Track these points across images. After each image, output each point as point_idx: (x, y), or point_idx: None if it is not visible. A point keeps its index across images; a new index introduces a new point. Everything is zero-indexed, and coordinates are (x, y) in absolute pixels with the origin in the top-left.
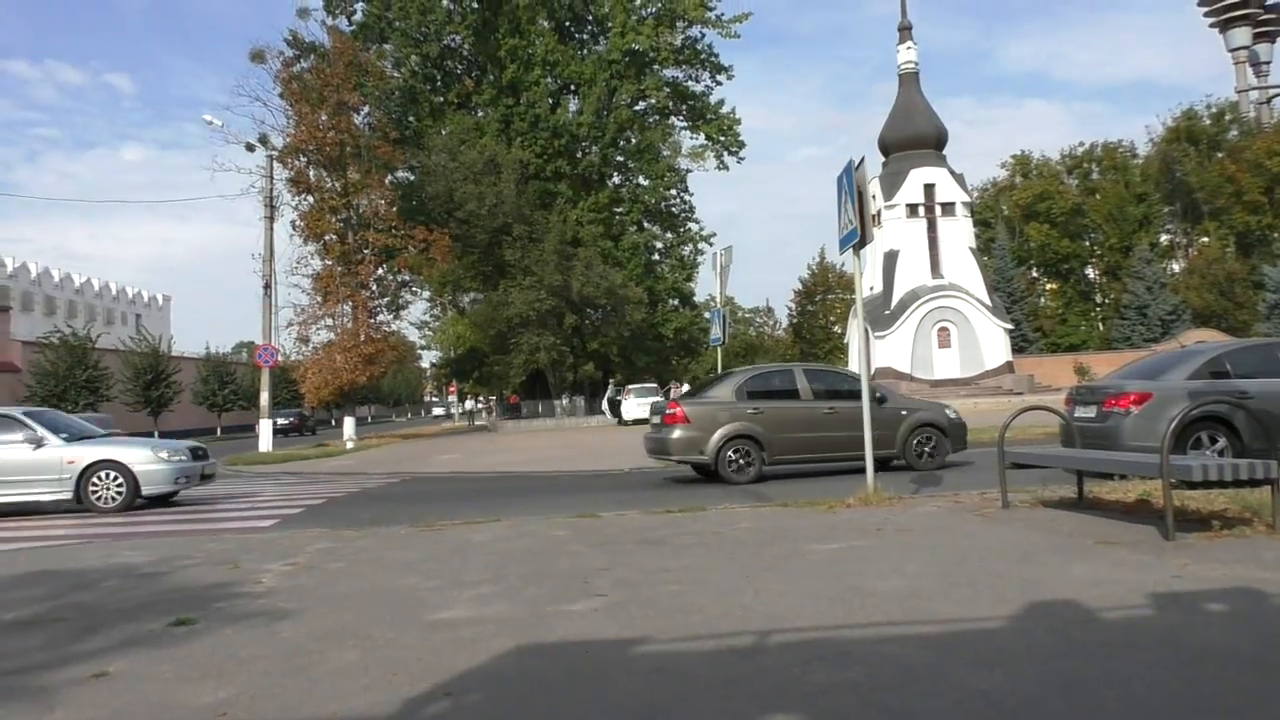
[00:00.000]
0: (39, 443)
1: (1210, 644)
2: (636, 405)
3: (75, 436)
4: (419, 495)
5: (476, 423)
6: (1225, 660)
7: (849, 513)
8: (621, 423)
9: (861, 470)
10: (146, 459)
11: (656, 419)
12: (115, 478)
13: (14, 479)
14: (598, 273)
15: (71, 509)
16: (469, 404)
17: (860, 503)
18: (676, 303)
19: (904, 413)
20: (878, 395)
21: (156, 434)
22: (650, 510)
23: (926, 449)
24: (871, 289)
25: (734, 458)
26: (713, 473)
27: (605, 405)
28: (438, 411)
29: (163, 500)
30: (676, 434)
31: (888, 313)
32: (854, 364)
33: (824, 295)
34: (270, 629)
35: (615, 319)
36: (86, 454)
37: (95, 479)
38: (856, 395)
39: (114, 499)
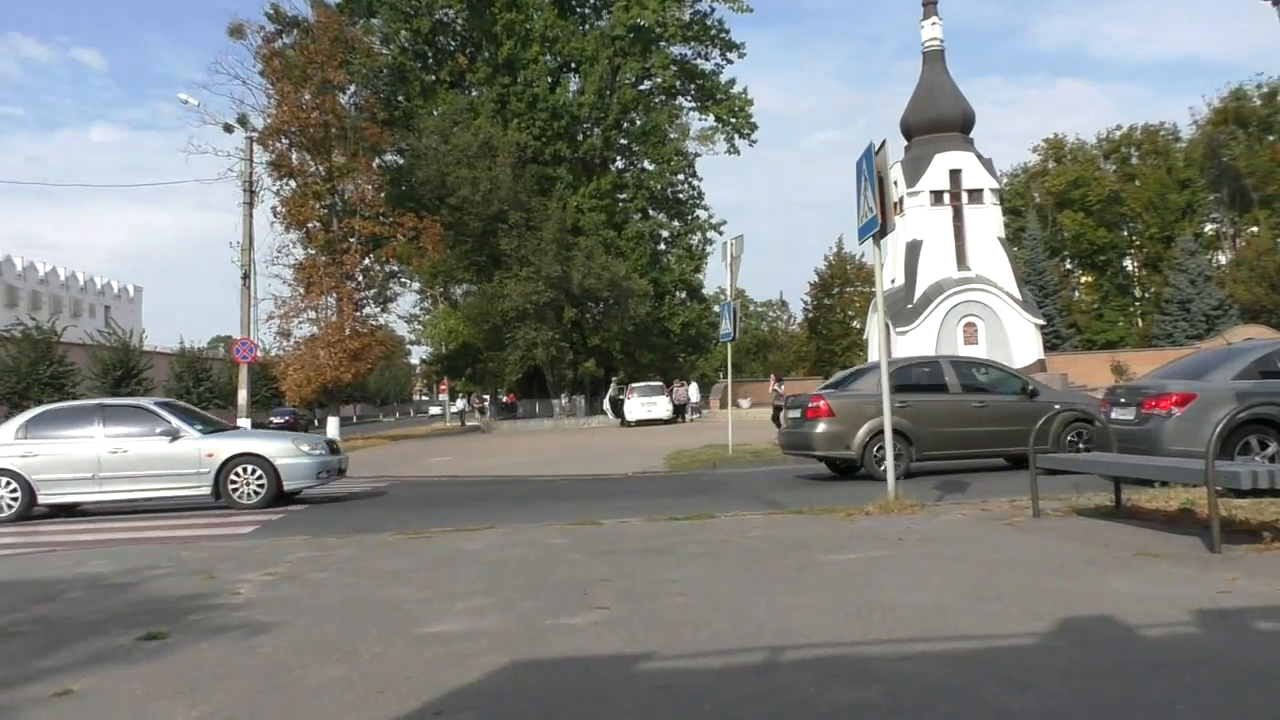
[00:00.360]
0: (175, 435)
1: (1260, 665)
2: (640, 405)
3: (210, 429)
4: (407, 500)
5: (468, 423)
6: (1277, 683)
7: (868, 521)
8: (624, 424)
9: (1006, 468)
10: (289, 452)
11: (796, 413)
12: (256, 472)
13: (152, 473)
14: (599, 263)
15: (210, 505)
16: (460, 403)
17: (880, 510)
18: (684, 295)
19: (1057, 407)
20: (1029, 389)
21: None
22: (655, 517)
23: (1080, 444)
24: (893, 281)
25: (881, 453)
26: (846, 470)
27: (607, 405)
28: (434, 410)
29: (288, 497)
30: (820, 429)
31: (910, 306)
32: (872, 358)
33: (842, 288)
34: (248, 643)
35: (618, 313)
36: (226, 447)
37: (235, 473)
38: (1006, 389)
39: (254, 494)
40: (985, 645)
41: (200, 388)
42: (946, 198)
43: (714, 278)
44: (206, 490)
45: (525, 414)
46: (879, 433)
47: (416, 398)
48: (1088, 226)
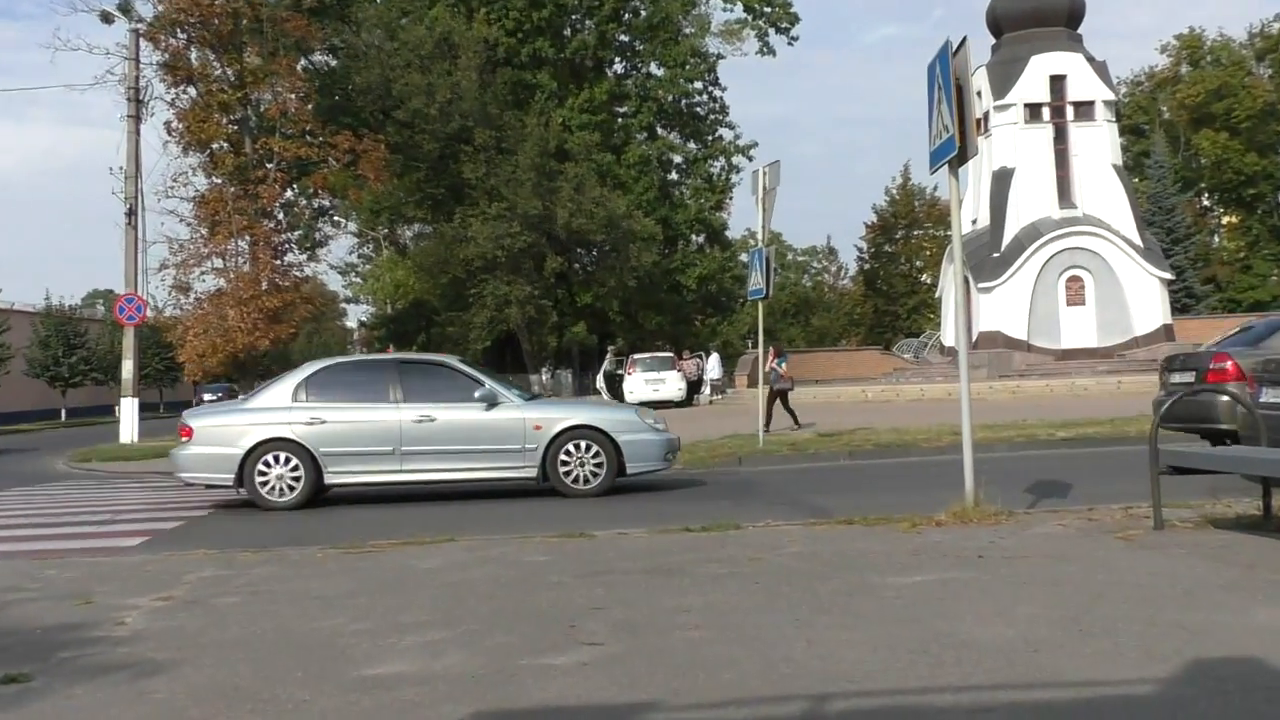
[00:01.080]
0: (493, 401)
1: None
2: (644, 382)
3: (528, 394)
4: (341, 503)
5: None
6: None
7: (939, 533)
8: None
9: None
10: (633, 426)
11: (1185, 376)
12: (593, 450)
13: (467, 449)
14: (592, 197)
15: (538, 489)
16: None
17: (955, 519)
18: (702, 240)
19: None
20: None
21: None
22: (663, 528)
23: None
24: (974, 222)
25: None
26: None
27: (601, 382)
28: None
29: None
30: (1227, 397)
31: (997, 255)
32: (947, 325)
33: (907, 230)
34: (136, 687)
35: (616, 262)
36: (556, 417)
37: (567, 451)
38: None
39: (590, 478)
40: (1089, 694)
41: (73, 356)
42: (1046, 113)
43: (742, 217)
44: (533, 472)
45: None
46: None
47: None
48: (1233, 150)
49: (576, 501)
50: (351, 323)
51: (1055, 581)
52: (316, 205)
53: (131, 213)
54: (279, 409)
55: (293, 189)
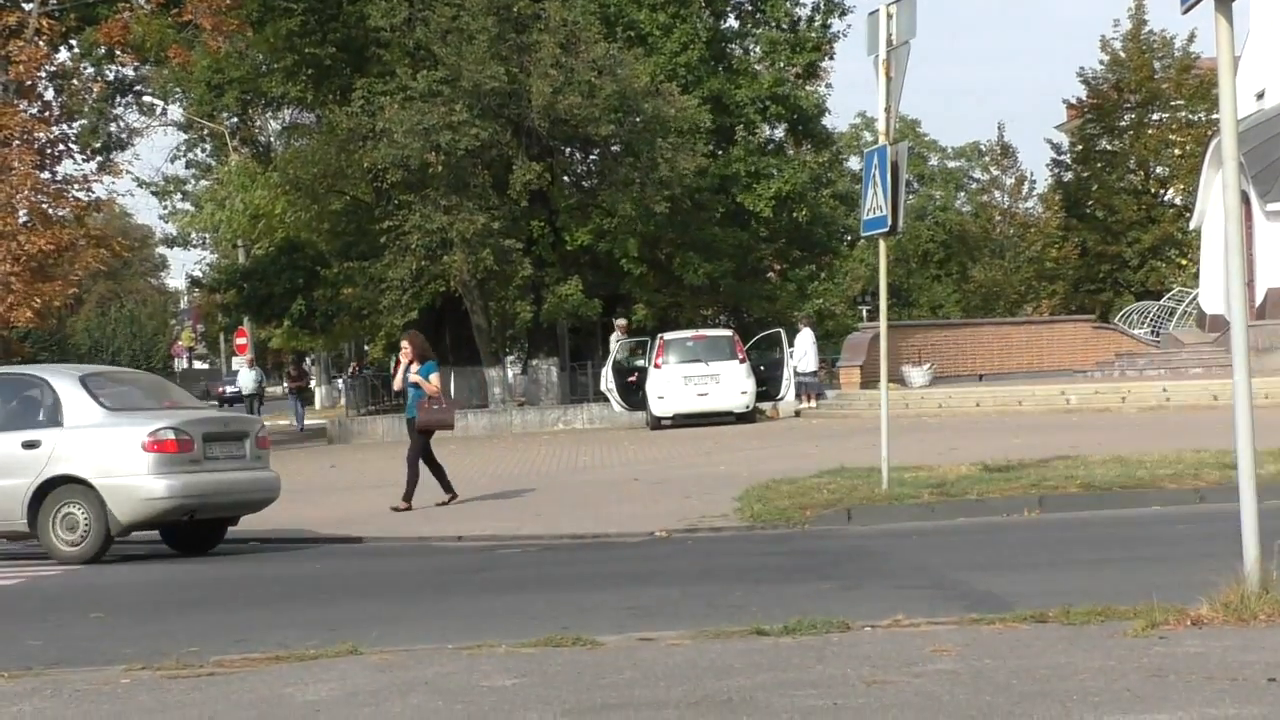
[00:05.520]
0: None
1: None
2: (685, 380)
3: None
4: (161, 589)
5: (297, 422)
6: None
7: (1197, 638)
8: (656, 424)
9: None
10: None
11: None
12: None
13: None
14: (591, 62)
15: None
16: (247, 378)
17: (1226, 614)
18: (782, 134)
19: None
20: None
21: None
22: (719, 628)
23: None
24: (1260, 97)
25: None
26: None
27: (608, 379)
28: (242, 387)
29: None
30: None
31: None
32: (1212, 278)
33: (1140, 113)
34: None
35: (634, 173)
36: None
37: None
38: None
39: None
40: None
41: None
42: None
43: (850, 94)
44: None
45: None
46: None
47: (181, 363)
48: None
49: (569, 580)
50: (177, 280)
51: None
52: (113, 77)
53: None
54: None
55: (71, 47)
